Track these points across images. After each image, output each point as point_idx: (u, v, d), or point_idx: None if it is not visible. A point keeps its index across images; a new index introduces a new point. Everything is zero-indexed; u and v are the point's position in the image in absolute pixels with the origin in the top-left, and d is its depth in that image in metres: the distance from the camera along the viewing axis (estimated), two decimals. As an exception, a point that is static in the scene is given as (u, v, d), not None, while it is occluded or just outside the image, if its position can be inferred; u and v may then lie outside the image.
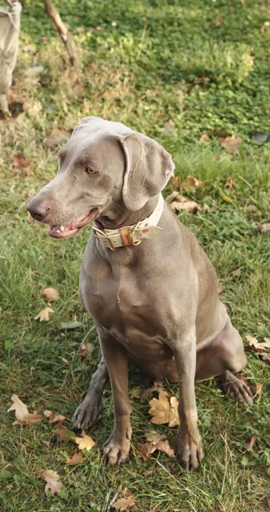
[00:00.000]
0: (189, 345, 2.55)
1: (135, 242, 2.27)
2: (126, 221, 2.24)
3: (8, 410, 2.92)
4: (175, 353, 2.56)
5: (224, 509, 2.51)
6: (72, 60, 6.12)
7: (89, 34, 7.12)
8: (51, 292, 3.60)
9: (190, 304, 2.46)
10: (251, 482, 2.62)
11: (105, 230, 2.26)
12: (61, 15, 7.07)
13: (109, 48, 6.75)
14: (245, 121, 5.49)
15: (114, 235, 2.25)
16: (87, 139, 2.11)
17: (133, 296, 2.36)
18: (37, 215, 2.04)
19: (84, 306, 2.53)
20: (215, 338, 2.93)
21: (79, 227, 2.15)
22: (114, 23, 7.53)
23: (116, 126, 2.21)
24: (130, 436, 2.75)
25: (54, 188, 2.05)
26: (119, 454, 2.71)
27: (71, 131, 5.30)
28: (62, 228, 2.12)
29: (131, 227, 2.24)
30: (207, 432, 2.82)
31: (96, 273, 2.40)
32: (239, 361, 2.98)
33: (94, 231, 2.29)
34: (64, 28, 6.04)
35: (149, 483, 2.63)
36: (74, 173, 2.09)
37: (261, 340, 3.30)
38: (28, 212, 2.07)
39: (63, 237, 2.14)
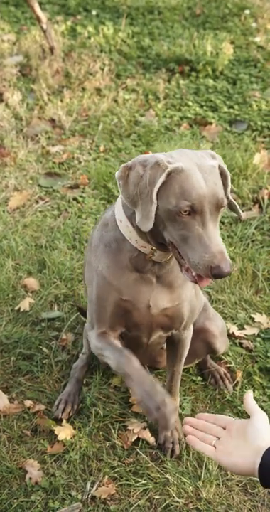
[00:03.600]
0: (190, 334, 2.61)
1: None
2: None
3: (-11, 401, 2.92)
4: (179, 342, 2.59)
5: (204, 495, 2.53)
6: (52, 49, 6.09)
7: (69, 23, 7.08)
8: (31, 282, 3.59)
9: (198, 293, 2.52)
10: (231, 468, 2.64)
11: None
12: (40, 4, 7.01)
13: (89, 37, 6.71)
14: (225, 109, 5.49)
15: None
16: (213, 179, 2.08)
17: (164, 299, 2.36)
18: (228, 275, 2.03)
19: (105, 311, 2.41)
20: (196, 320, 2.94)
21: None
22: (94, 12, 7.48)
23: (201, 154, 2.18)
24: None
25: (222, 243, 2.04)
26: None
27: (52, 120, 5.28)
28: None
29: None
30: (187, 420, 2.84)
31: (123, 281, 2.33)
32: (222, 342, 2.99)
33: (153, 251, 2.24)
34: (43, 17, 5.99)
35: (130, 471, 2.64)
36: (217, 218, 2.08)
37: (241, 327, 3.32)
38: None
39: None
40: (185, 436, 2.00)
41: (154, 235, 2.19)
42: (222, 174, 2.17)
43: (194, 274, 2.08)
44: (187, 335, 2.59)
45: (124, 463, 2.67)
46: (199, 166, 2.08)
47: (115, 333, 2.44)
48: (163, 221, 2.10)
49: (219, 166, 2.16)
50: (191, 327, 2.60)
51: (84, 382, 3.02)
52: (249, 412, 1.89)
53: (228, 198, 2.19)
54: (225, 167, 2.19)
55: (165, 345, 2.73)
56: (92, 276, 2.43)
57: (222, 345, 2.99)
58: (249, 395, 1.94)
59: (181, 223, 2.04)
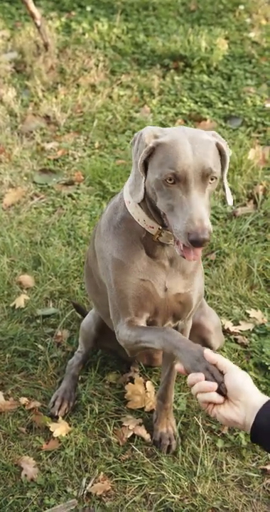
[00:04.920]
0: (191, 324, 2.61)
1: None
2: None
3: (-16, 398, 2.91)
4: (182, 332, 2.58)
5: (199, 491, 2.53)
6: (46, 45, 6.08)
7: (63, 19, 7.07)
8: (27, 279, 3.59)
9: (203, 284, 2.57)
10: (227, 464, 2.65)
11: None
12: (34, 0, 7.00)
13: (83, 33, 6.70)
14: (220, 105, 5.49)
15: None
16: (203, 150, 2.06)
17: (178, 284, 2.36)
18: (205, 242, 1.98)
19: (125, 296, 2.36)
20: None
21: None
22: (88, 8, 7.47)
23: (199, 130, 2.19)
24: None
25: (204, 211, 2.01)
26: None
27: (46, 117, 5.27)
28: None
29: None
30: (182, 416, 2.84)
31: (138, 263, 2.33)
32: (217, 339, 3.00)
33: (160, 231, 2.23)
34: (37, 13, 5.98)
35: (125, 467, 2.64)
36: (204, 188, 2.06)
37: (236, 323, 3.32)
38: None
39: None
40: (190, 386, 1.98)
41: (154, 209, 2.20)
42: (221, 154, 2.17)
43: (182, 247, 2.07)
44: (189, 325, 2.60)
45: (120, 459, 2.67)
46: (190, 138, 2.09)
47: (141, 320, 2.38)
48: (155, 192, 2.12)
49: (218, 144, 2.15)
50: (191, 318, 2.61)
51: (80, 378, 3.02)
52: (223, 368, 1.90)
53: (222, 179, 2.21)
54: (226, 148, 2.18)
55: None
56: (106, 264, 2.40)
57: (216, 341, 3.00)
58: (208, 353, 1.94)
59: (168, 192, 2.06)
